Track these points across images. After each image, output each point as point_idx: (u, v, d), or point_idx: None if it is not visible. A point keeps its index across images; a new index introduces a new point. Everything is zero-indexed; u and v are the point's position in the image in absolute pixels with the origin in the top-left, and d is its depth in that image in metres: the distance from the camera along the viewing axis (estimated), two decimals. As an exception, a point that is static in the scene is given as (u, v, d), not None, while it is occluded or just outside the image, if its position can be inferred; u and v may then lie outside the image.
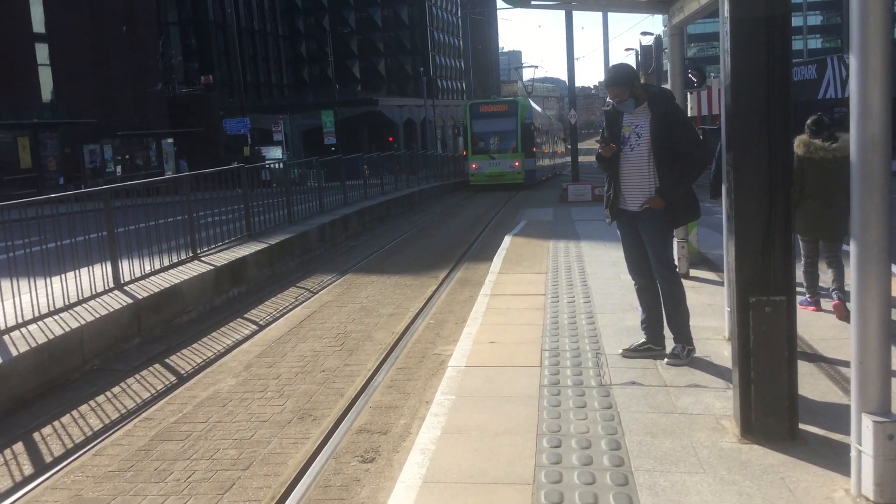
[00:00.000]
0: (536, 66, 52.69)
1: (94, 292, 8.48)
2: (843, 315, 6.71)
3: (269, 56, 74.17)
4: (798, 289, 5.65)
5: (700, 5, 6.83)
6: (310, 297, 10.58)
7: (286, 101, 63.84)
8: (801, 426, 4.27)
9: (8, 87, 34.02)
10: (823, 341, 6.11)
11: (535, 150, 37.40)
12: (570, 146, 33.01)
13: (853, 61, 3.43)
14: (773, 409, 4.20)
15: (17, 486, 4.92)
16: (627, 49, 48.30)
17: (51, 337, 7.06)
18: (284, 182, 16.96)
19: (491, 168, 35.61)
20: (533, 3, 8.80)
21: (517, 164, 35.57)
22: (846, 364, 5.47)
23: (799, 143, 6.83)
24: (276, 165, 21.64)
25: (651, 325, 5.84)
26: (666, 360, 5.66)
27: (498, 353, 6.19)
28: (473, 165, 36.07)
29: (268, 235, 13.47)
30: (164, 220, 10.57)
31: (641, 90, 5.57)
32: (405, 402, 6.07)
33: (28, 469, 5.22)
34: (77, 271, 8.39)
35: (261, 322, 9.22)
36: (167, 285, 9.27)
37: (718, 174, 8.00)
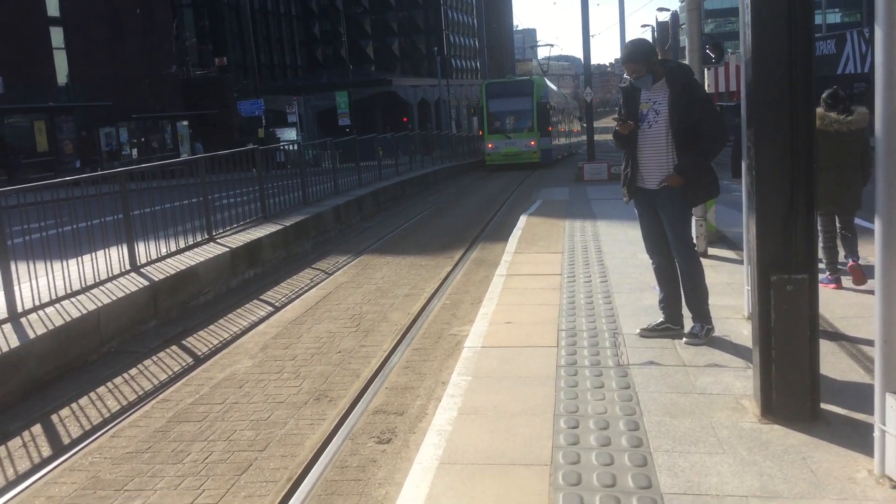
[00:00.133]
0: (552, 45, 52.46)
1: (110, 274, 8.51)
2: (860, 278, 6.67)
3: (283, 37, 73.95)
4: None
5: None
6: (325, 279, 10.57)
7: (300, 83, 63.66)
8: (823, 406, 4.21)
9: (24, 71, 34.14)
10: (844, 319, 6.02)
11: (550, 129, 37.38)
12: (585, 125, 32.82)
13: (878, 32, 3.33)
14: (795, 388, 4.13)
15: (35, 468, 4.94)
16: (644, 25, 47.79)
17: (68, 319, 7.09)
18: (299, 163, 16.95)
19: (507, 147, 35.67)
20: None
21: (533, 143, 35.58)
22: (868, 342, 5.40)
23: None
24: (291, 147, 21.61)
25: (669, 304, 5.77)
26: (684, 339, 5.60)
27: (514, 333, 6.14)
28: (489, 145, 36.17)
29: (283, 217, 13.47)
30: (179, 202, 10.58)
31: (659, 66, 5.47)
32: (421, 382, 6.05)
33: (46, 451, 5.24)
34: (93, 254, 8.41)
35: (276, 303, 9.22)
36: (183, 267, 9.28)
37: (738, 151, 7.90)
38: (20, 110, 32.68)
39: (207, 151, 17.83)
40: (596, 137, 30.99)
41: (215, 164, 11.88)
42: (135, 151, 37.66)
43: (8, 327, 6.80)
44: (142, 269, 9.04)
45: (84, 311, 7.33)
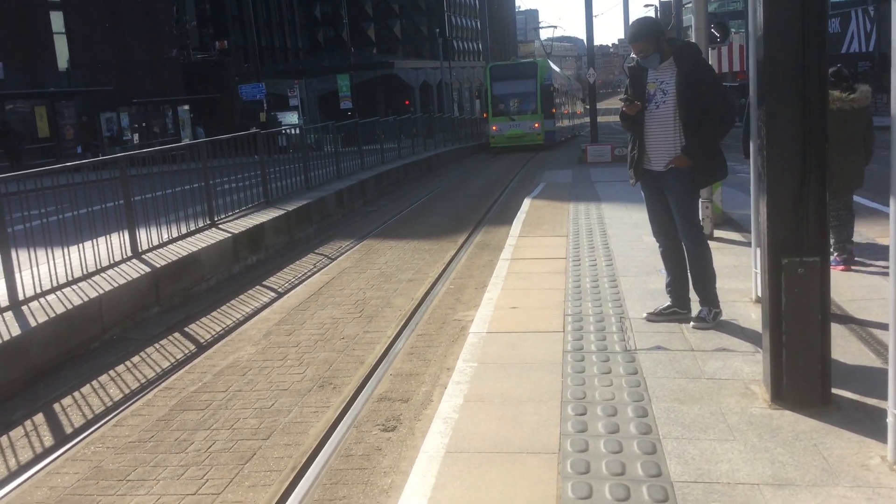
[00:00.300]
0: (556, 27, 52.34)
1: (111, 261, 8.45)
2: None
3: (284, 20, 73.45)
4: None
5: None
6: (328, 264, 10.51)
7: (301, 66, 63.31)
8: (833, 391, 4.14)
9: (24, 56, 33.97)
10: (853, 302, 5.94)
11: (554, 111, 37.52)
12: (588, 106, 32.73)
13: (894, 5, 3.22)
14: (805, 373, 4.06)
15: (37, 458, 4.90)
16: (647, 5, 47.44)
17: (69, 307, 7.04)
18: (301, 147, 16.84)
19: (511, 130, 35.91)
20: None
21: (537, 125, 35.81)
22: (878, 325, 5.34)
23: None
24: (293, 131, 21.48)
25: (676, 288, 5.69)
26: (692, 323, 5.53)
27: (520, 318, 6.08)
28: (494, 127, 36.40)
29: (285, 201, 13.39)
30: (180, 187, 10.50)
31: (667, 45, 5.36)
32: (426, 369, 5.99)
33: (48, 440, 5.20)
34: (94, 240, 8.35)
35: (279, 289, 9.16)
36: (185, 253, 9.22)
37: (748, 131, 7.82)
38: (21, 95, 32.59)
39: (209, 136, 17.72)
40: (599, 119, 30.85)
41: (217, 148, 11.79)
42: (136, 136, 37.55)
43: (9, 315, 6.76)
44: (143, 256, 8.98)
45: (86, 299, 7.28)
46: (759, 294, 5.94)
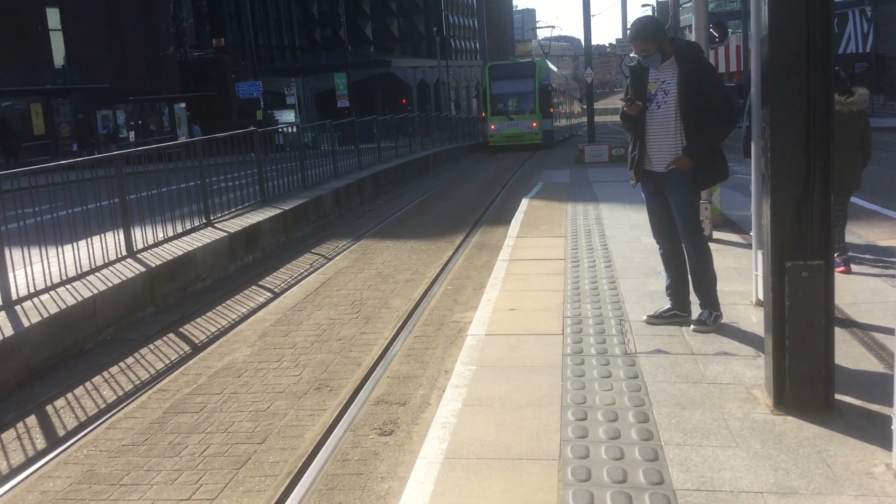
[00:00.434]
0: (553, 27, 52.58)
1: (106, 260, 8.37)
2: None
3: (281, 17, 73.27)
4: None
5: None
6: (325, 264, 10.44)
7: (298, 64, 63.16)
8: (836, 396, 4.09)
9: (20, 53, 33.82)
10: (854, 305, 5.88)
11: (552, 110, 37.79)
12: (585, 106, 32.79)
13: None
14: (809, 378, 4.01)
15: (29, 461, 4.82)
16: (644, 5, 47.41)
17: (63, 307, 6.96)
18: (298, 146, 16.76)
19: (509, 129, 36.26)
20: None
21: (535, 124, 36.14)
22: (880, 329, 5.29)
23: None
24: (290, 129, 21.40)
25: (676, 290, 5.63)
26: (692, 326, 5.47)
27: (518, 320, 6.02)
28: (492, 126, 36.80)
29: (282, 200, 13.31)
30: (176, 185, 10.41)
31: (669, 44, 5.30)
32: (423, 371, 5.93)
33: (41, 443, 5.13)
34: (89, 239, 8.27)
35: (276, 289, 9.09)
36: (180, 253, 9.15)
37: (749, 131, 7.78)
38: (17, 93, 32.44)
39: (205, 134, 17.66)
40: (596, 119, 30.87)
41: (213, 146, 11.71)
42: (132, 134, 37.44)
43: (2, 315, 6.67)
44: (138, 255, 8.90)
45: (80, 299, 7.21)
46: (760, 297, 5.89)
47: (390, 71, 62.34)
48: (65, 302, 7.08)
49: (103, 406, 5.69)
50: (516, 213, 11.86)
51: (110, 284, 7.70)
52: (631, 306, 6.15)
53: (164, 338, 7.38)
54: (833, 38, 3.86)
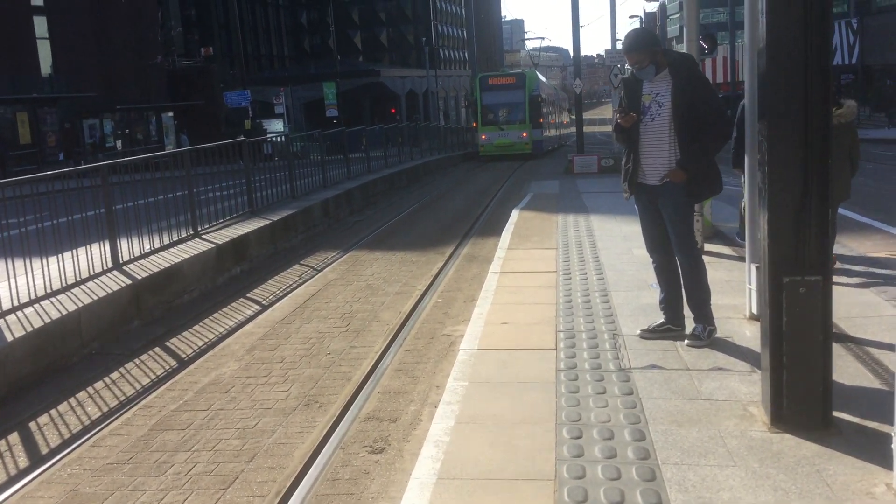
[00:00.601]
0: (543, 38, 53.09)
1: (91, 273, 8.25)
2: None
3: (270, 26, 73.27)
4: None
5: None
6: (314, 275, 10.34)
7: (287, 73, 63.11)
8: (833, 413, 4.03)
9: (6, 62, 33.54)
10: (848, 319, 5.83)
11: (542, 120, 38.32)
12: (574, 116, 32.93)
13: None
14: (807, 395, 3.95)
15: (11, 481, 4.71)
16: (632, 16, 47.70)
17: (47, 320, 6.84)
18: (287, 156, 16.65)
19: (500, 139, 36.70)
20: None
21: (525, 134, 36.63)
22: (875, 344, 5.24)
23: None
24: (278, 139, 21.29)
25: (670, 304, 5.57)
26: (686, 341, 5.41)
27: (511, 334, 5.94)
28: (483, 136, 37.29)
29: (270, 211, 13.20)
30: (164, 196, 10.29)
31: (662, 56, 5.25)
32: (415, 386, 5.84)
33: (23, 461, 5.01)
34: (74, 251, 8.14)
35: (264, 302, 8.98)
36: (167, 265, 9.03)
37: (741, 143, 7.74)
38: (2, 101, 32.16)
39: (193, 143, 17.54)
40: (585, 129, 30.97)
41: (201, 156, 11.60)
42: (119, 143, 37.22)
43: (-16, 329, 6.55)
44: (124, 267, 8.78)
45: (64, 312, 7.08)
46: (754, 310, 5.85)
47: (379, 80, 62.36)
48: (49, 315, 6.95)
49: (88, 423, 5.57)
50: (507, 225, 11.80)
51: (96, 297, 7.58)
52: (624, 320, 6.08)
53: (151, 352, 7.26)
54: (831, 49, 3.82)
